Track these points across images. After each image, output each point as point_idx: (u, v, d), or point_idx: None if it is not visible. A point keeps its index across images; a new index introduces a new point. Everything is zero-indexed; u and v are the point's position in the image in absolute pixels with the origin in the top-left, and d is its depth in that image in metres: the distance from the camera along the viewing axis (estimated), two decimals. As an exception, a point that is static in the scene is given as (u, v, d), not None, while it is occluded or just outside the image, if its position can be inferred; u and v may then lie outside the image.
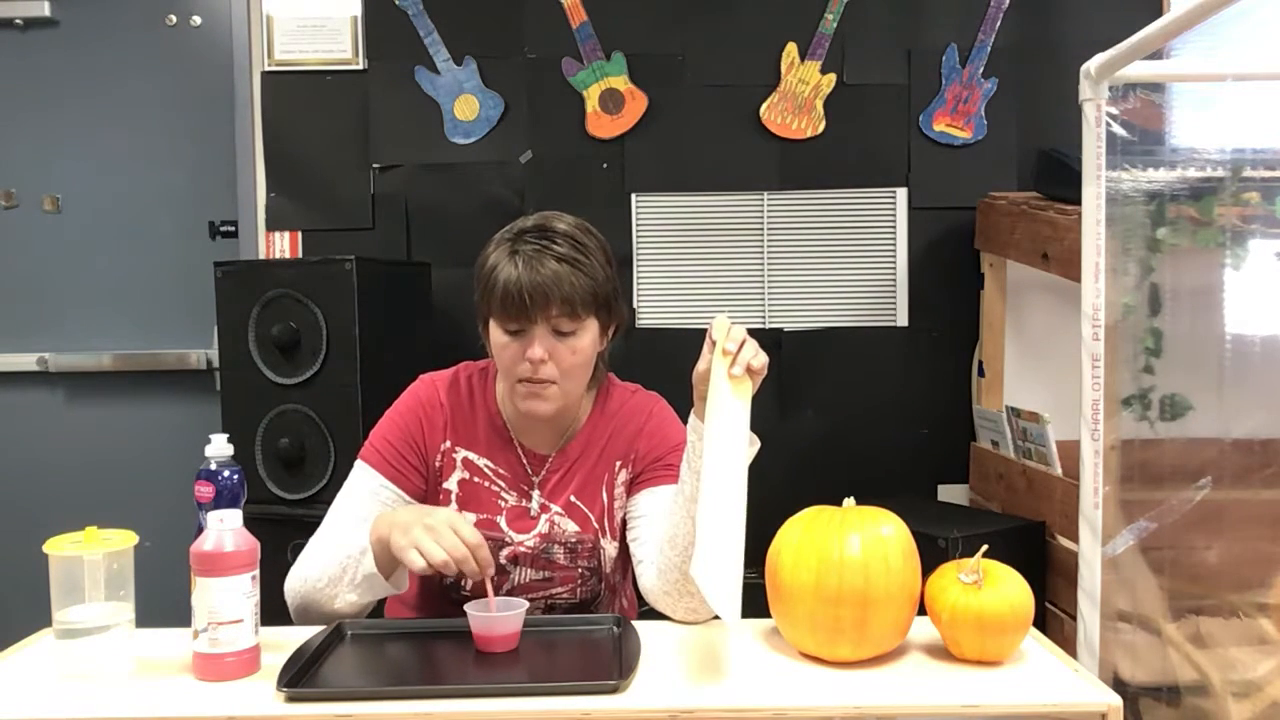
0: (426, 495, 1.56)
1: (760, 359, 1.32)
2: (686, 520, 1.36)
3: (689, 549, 1.33)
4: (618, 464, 1.58)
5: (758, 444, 1.35)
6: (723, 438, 1.25)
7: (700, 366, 1.35)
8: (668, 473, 1.53)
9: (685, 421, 1.44)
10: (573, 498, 1.56)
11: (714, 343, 1.32)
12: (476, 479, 1.56)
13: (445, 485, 1.55)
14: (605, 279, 1.48)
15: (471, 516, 1.52)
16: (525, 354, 1.44)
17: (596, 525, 1.56)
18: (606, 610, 1.58)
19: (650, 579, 1.46)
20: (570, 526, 1.55)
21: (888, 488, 2.77)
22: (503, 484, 1.56)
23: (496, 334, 1.47)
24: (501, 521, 1.54)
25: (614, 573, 1.60)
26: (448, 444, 1.56)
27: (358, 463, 1.56)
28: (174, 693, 1.16)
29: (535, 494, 1.56)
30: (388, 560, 1.37)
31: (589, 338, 1.48)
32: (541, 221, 1.48)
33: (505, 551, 1.54)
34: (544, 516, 1.56)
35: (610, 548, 1.57)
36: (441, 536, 1.31)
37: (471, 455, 1.56)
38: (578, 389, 1.52)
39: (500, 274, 1.43)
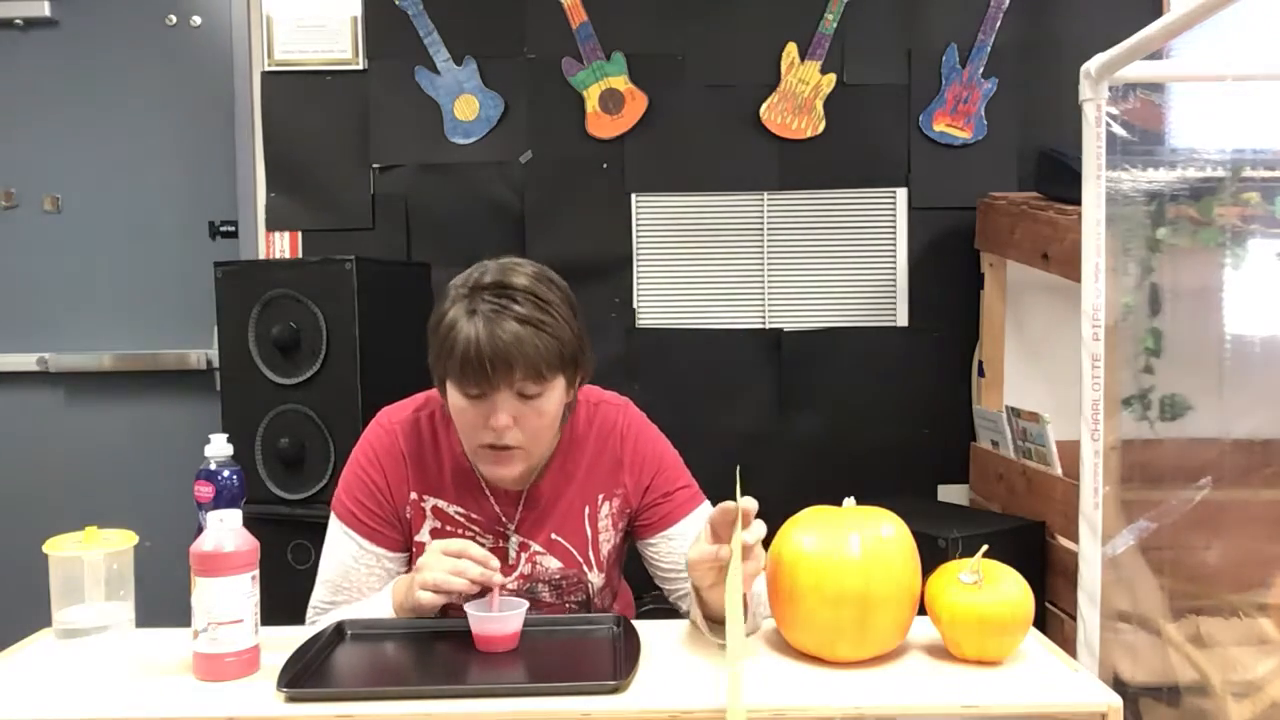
0: (406, 547, 1.54)
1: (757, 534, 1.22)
2: None
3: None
4: (600, 496, 1.53)
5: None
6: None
7: (691, 555, 1.25)
8: (675, 505, 1.53)
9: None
10: (554, 535, 1.52)
11: (715, 536, 1.22)
12: (449, 527, 1.51)
13: (417, 538, 1.52)
14: (571, 336, 1.38)
15: None
16: (488, 421, 1.36)
17: (580, 558, 1.53)
18: None
19: None
20: (553, 564, 1.52)
21: (888, 488, 2.76)
22: (476, 529, 1.52)
23: (456, 397, 1.38)
24: None
25: (602, 601, 1.57)
26: (414, 495, 1.51)
27: (334, 520, 1.52)
28: (174, 693, 1.16)
29: (513, 536, 1.52)
30: None
31: (555, 397, 1.40)
32: (500, 277, 1.37)
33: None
34: (523, 556, 1.52)
35: (597, 579, 1.54)
36: (434, 565, 1.33)
37: (441, 503, 1.51)
38: (543, 450, 1.46)
39: (459, 334, 1.33)
